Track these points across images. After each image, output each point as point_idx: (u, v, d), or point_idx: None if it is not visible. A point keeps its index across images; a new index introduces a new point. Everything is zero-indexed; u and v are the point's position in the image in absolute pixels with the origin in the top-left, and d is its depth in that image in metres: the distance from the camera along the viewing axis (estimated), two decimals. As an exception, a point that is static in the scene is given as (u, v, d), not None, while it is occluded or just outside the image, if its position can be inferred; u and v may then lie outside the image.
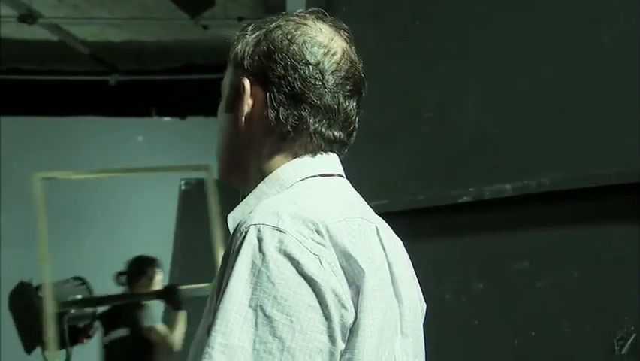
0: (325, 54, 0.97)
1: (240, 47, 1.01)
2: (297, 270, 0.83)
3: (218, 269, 0.90)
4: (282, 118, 0.95)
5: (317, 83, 0.96)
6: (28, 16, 4.05)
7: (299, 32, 0.98)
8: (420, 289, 1.04)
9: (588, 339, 1.46)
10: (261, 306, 0.82)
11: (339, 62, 0.98)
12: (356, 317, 0.85)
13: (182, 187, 4.34)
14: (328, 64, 0.97)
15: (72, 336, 3.08)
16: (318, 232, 0.86)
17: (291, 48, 0.97)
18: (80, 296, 3.12)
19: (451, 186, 1.74)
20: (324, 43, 0.98)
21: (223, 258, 0.89)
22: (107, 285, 3.60)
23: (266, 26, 1.00)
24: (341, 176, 1.00)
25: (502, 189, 1.62)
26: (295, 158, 0.97)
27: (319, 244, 0.85)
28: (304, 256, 0.83)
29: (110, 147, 4.70)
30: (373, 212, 0.98)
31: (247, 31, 1.01)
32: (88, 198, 4.65)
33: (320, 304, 0.83)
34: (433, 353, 1.71)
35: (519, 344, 1.55)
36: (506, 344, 1.56)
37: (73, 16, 4.22)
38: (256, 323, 0.81)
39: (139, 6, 4.16)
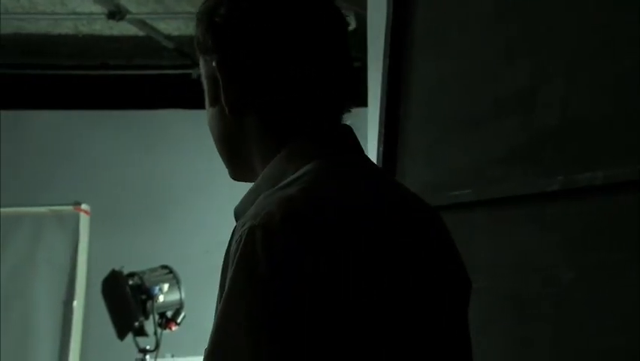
0: (288, 6, 0.94)
1: (208, 30, 1.01)
2: (294, 273, 0.78)
3: (220, 276, 0.87)
4: (287, 81, 0.92)
5: (300, 36, 0.93)
6: (116, 13, 4.18)
7: None
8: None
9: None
10: (256, 312, 0.77)
11: (300, 12, 0.94)
12: (360, 315, 0.82)
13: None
14: (297, 15, 0.94)
15: (161, 323, 3.19)
16: (315, 229, 0.81)
17: (263, 11, 0.93)
18: (167, 285, 3.22)
19: (538, 173, 1.68)
20: None
21: (224, 263, 0.85)
22: (192, 273, 3.69)
23: (220, 3, 0.99)
24: (339, 154, 0.95)
25: (593, 177, 1.55)
26: (291, 135, 0.93)
27: (317, 243, 0.80)
28: (302, 258, 0.79)
29: (191, 137, 4.82)
30: (369, 191, 0.92)
31: (204, 15, 1.01)
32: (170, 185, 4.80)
33: (320, 307, 0.78)
34: (520, 347, 1.66)
35: (615, 340, 1.48)
36: (601, 340, 1.50)
37: (159, 12, 4.32)
38: (252, 330, 0.77)
39: (220, 0, 4.23)
